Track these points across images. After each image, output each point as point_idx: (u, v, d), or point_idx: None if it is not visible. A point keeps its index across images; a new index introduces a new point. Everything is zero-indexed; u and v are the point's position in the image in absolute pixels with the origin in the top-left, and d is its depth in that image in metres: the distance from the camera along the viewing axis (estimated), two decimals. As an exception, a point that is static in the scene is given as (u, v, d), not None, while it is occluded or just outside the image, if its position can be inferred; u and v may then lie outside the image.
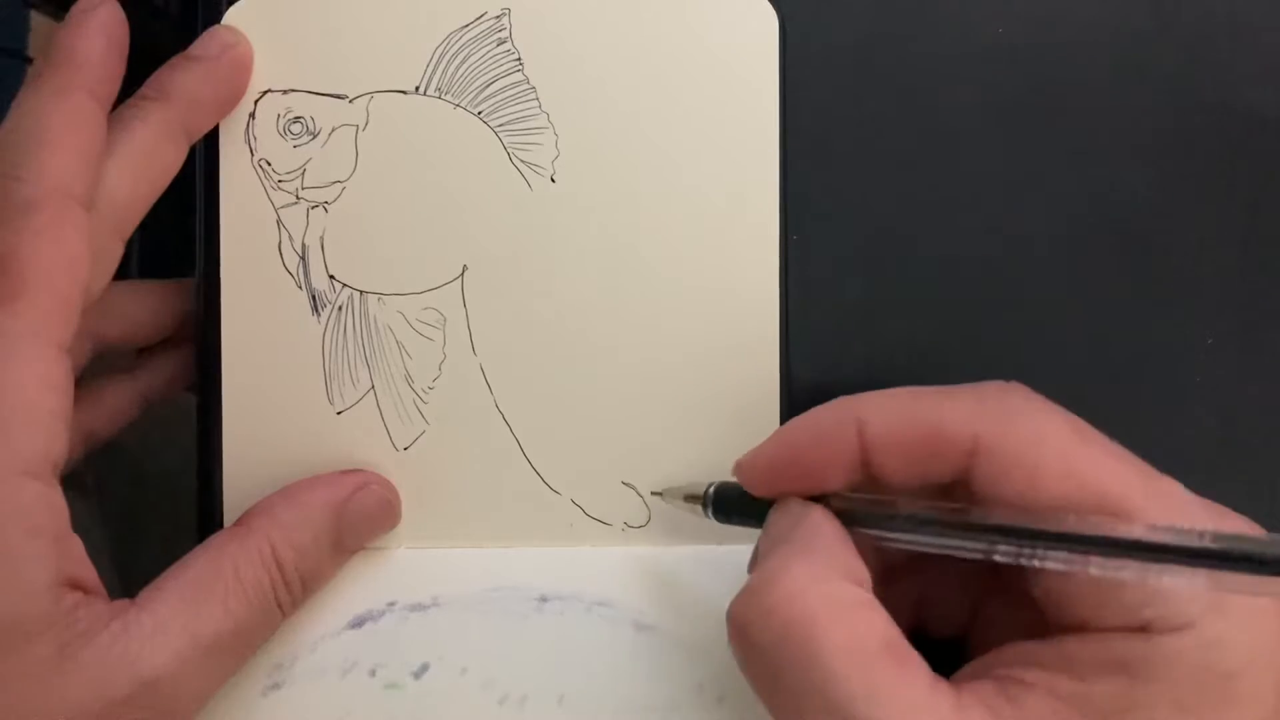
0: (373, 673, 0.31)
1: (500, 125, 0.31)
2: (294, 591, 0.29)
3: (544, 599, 0.31)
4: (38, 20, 0.35)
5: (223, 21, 0.30)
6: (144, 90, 0.29)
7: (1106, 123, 0.35)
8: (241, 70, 0.30)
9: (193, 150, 0.30)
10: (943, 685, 0.23)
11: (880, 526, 0.25)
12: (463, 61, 0.31)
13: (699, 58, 0.31)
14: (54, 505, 0.26)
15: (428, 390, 0.31)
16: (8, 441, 0.25)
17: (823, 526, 0.25)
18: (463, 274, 0.31)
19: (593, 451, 0.31)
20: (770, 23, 0.31)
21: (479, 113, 0.31)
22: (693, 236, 0.31)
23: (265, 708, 0.30)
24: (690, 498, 0.29)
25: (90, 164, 0.27)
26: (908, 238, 0.33)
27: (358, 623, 0.31)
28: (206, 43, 0.30)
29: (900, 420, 0.25)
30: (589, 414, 0.31)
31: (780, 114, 0.31)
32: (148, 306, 0.32)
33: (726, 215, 0.31)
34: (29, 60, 0.35)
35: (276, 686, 0.30)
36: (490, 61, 0.31)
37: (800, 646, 0.23)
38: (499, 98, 0.31)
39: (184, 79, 0.29)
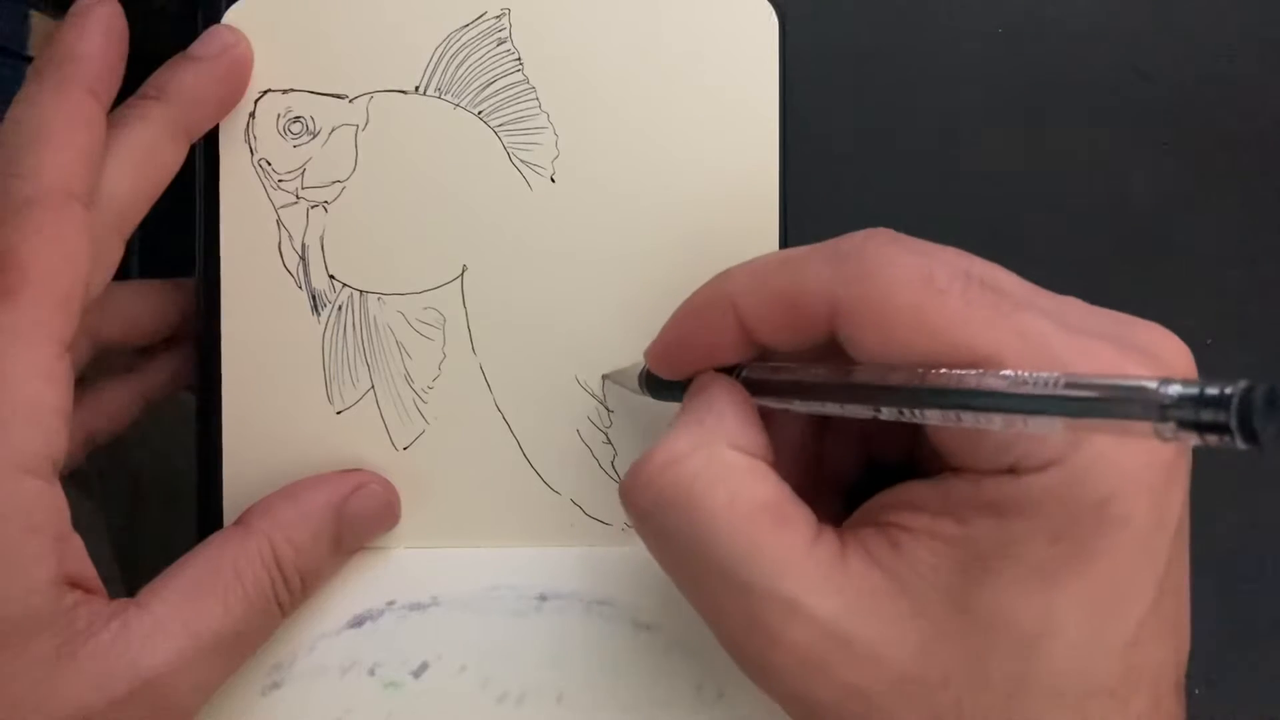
0: (372, 672, 0.31)
1: (500, 125, 0.31)
2: (293, 591, 0.29)
3: (543, 598, 0.31)
4: (38, 20, 0.35)
5: (223, 21, 0.30)
6: (144, 90, 0.29)
7: (1106, 122, 0.35)
8: (241, 70, 0.30)
9: (193, 150, 0.30)
10: (826, 541, 0.24)
11: (777, 394, 0.26)
12: (463, 61, 0.31)
13: (699, 58, 0.31)
14: (54, 503, 0.26)
15: (427, 390, 0.31)
16: (7, 438, 0.25)
17: (718, 398, 0.26)
18: (463, 274, 0.31)
19: (592, 451, 0.31)
20: (770, 22, 0.31)
21: (479, 112, 0.31)
22: (693, 236, 0.31)
23: (265, 707, 0.30)
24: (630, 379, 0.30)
25: (90, 162, 0.27)
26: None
27: (357, 622, 0.31)
28: (206, 42, 0.30)
29: (763, 292, 0.25)
30: (589, 413, 0.31)
31: (780, 114, 0.31)
32: (148, 306, 0.32)
33: (727, 215, 0.31)
34: (29, 60, 0.36)
35: (276, 686, 0.30)
36: (490, 61, 0.31)
37: (680, 508, 0.24)
38: (499, 98, 0.31)
39: (184, 78, 0.29)
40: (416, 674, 0.31)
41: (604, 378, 0.31)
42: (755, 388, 0.26)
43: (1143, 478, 0.22)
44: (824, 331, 0.24)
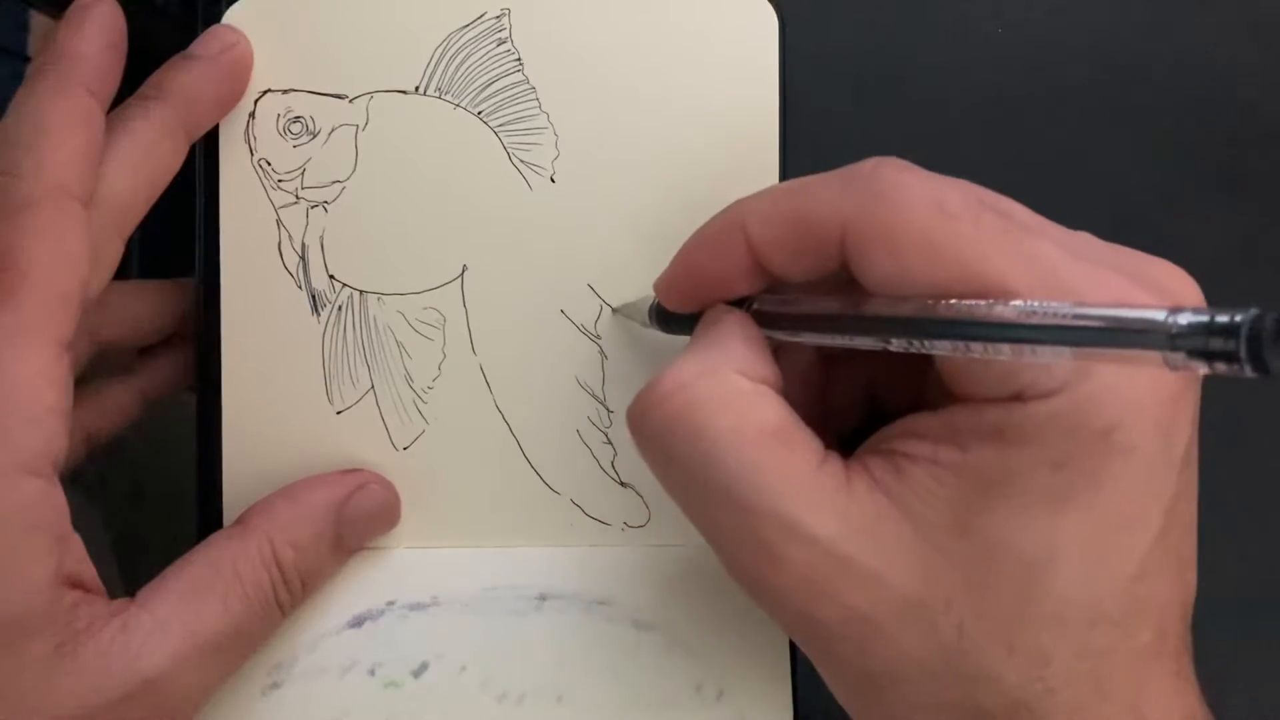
0: (372, 672, 0.31)
1: (500, 125, 0.31)
2: (293, 591, 0.29)
3: (543, 598, 0.31)
4: (38, 20, 0.36)
5: (223, 21, 0.30)
6: (144, 89, 0.29)
7: (1106, 122, 0.35)
8: (241, 70, 0.30)
9: (193, 150, 0.30)
10: (832, 465, 0.24)
11: (787, 327, 0.26)
12: (463, 61, 0.31)
13: (699, 58, 0.31)
14: (54, 503, 0.26)
15: (427, 390, 0.31)
16: (7, 438, 0.25)
17: (726, 328, 0.26)
18: (463, 274, 0.31)
19: (592, 451, 0.31)
20: (770, 23, 0.31)
21: (479, 113, 0.31)
22: (693, 236, 0.31)
23: (265, 707, 0.30)
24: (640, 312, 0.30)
25: (89, 161, 0.27)
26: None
27: (357, 622, 0.31)
28: (206, 42, 0.30)
29: (774, 218, 0.25)
30: (589, 413, 0.31)
31: (780, 114, 0.31)
32: (148, 306, 0.32)
33: (726, 215, 0.31)
34: (29, 60, 0.36)
35: (276, 686, 0.30)
36: (490, 61, 0.31)
37: (686, 432, 0.24)
38: (499, 98, 0.31)
39: (184, 78, 0.29)
40: (416, 674, 0.31)
41: (613, 310, 0.31)
42: (765, 320, 0.26)
43: (1149, 408, 0.22)
44: (835, 258, 0.24)
